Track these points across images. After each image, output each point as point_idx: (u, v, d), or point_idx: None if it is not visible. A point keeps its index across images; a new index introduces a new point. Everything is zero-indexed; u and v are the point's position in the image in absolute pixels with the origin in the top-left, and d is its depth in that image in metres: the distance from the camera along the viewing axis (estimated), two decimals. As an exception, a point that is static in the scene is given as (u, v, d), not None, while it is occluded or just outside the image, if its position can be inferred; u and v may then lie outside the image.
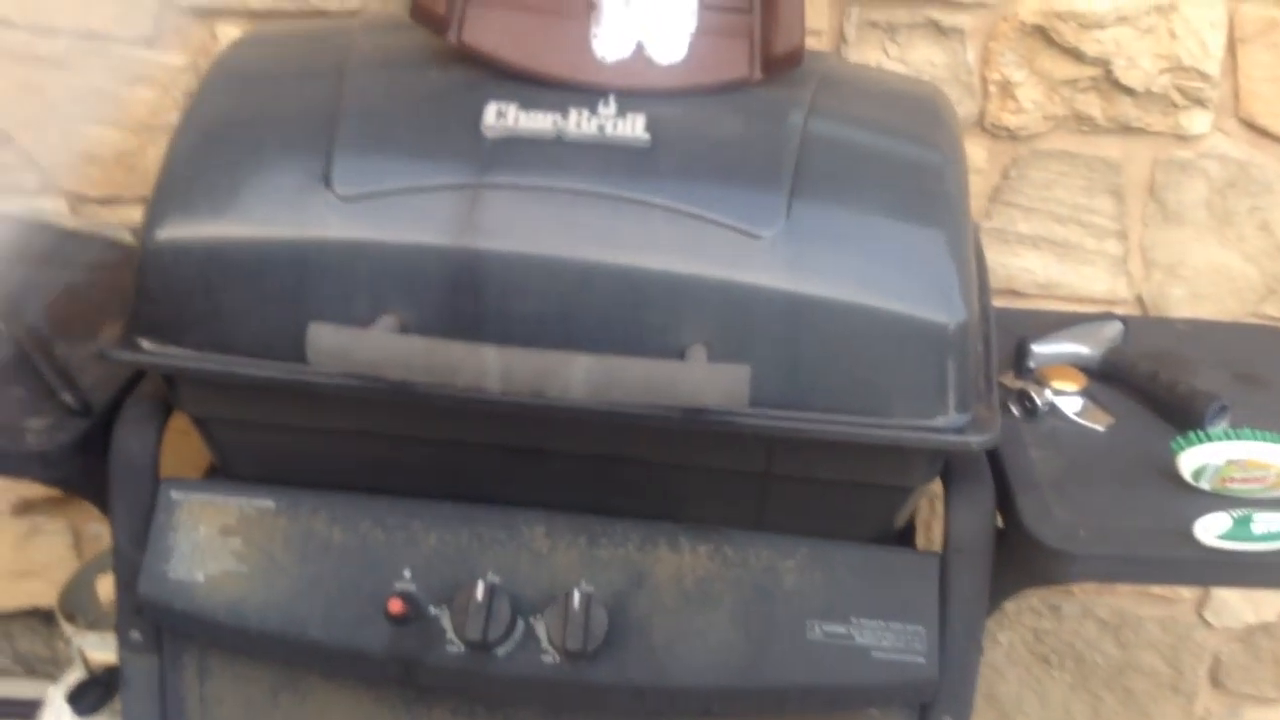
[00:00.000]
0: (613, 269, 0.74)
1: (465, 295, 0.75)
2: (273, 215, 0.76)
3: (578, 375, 0.70)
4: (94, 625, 1.10)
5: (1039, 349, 0.98)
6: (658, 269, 0.74)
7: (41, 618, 1.48)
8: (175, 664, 0.86)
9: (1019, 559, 0.81)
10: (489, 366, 0.70)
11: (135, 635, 0.86)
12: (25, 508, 1.42)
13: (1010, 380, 0.96)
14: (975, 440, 0.76)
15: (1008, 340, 0.98)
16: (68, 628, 1.11)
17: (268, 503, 0.84)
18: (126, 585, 0.84)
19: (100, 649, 1.07)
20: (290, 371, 0.75)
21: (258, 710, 0.87)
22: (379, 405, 0.76)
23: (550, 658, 0.79)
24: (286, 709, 0.87)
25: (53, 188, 1.27)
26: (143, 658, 0.87)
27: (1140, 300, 1.25)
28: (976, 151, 1.19)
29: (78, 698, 0.93)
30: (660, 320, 0.75)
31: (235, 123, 0.81)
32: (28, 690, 1.45)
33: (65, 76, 1.21)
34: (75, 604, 1.13)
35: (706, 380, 0.71)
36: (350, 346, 0.71)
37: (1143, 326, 1.08)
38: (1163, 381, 0.94)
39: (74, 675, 1.09)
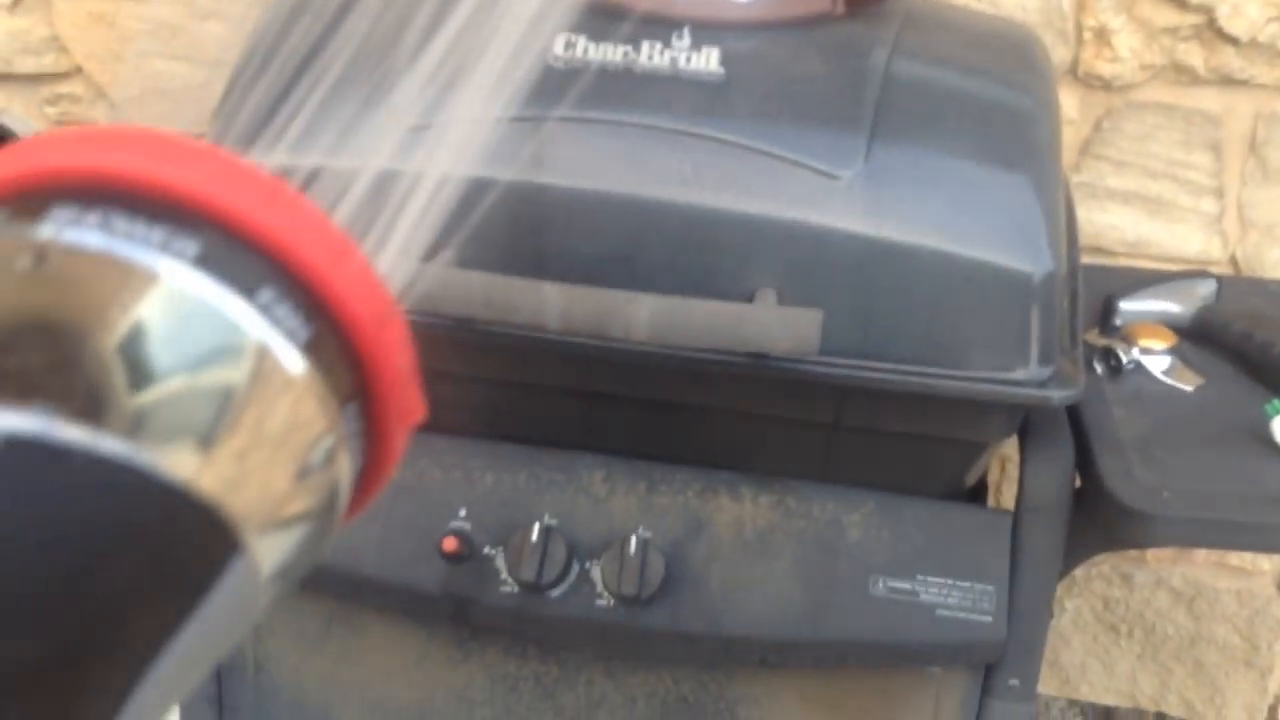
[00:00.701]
0: (681, 208, 0.72)
1: (527, 231, 0.73)
2: (333, 145, 0.75)
3: (641, 316, 0.68)
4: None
5: (1127, 306, 0.94)
6: (728, 209, 0.71)
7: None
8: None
9: (1098, 520, 0.78)
10: (549, 304, 0.68)
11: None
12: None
13: (1095, 337, 0.92)
14: (1056, 395, 0.73)
15: (1094, 297, 0.94)
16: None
17: (326, 438, 0.83)
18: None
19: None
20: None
21: (311, 641, 0.87)
22: (437, 342, 0.75)
23: (604, 602, 0.78)
24: (340, 640, 0.86)
25: (123, 121, 1.28)
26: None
27: (1235, 261, 1.19)
28: (1068, 101, 1.14)
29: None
30: (729, 262, 0.72)
31: (297, 52, 0.79)
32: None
33: (136, 9, 1.21)
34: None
35: (776, 325, 0.68)
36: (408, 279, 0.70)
37: (1237, 286, 1.03)
38: (1258, 342, 0.89)
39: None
